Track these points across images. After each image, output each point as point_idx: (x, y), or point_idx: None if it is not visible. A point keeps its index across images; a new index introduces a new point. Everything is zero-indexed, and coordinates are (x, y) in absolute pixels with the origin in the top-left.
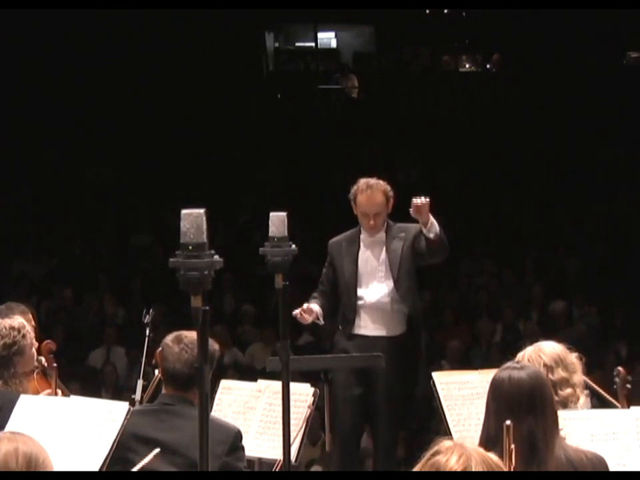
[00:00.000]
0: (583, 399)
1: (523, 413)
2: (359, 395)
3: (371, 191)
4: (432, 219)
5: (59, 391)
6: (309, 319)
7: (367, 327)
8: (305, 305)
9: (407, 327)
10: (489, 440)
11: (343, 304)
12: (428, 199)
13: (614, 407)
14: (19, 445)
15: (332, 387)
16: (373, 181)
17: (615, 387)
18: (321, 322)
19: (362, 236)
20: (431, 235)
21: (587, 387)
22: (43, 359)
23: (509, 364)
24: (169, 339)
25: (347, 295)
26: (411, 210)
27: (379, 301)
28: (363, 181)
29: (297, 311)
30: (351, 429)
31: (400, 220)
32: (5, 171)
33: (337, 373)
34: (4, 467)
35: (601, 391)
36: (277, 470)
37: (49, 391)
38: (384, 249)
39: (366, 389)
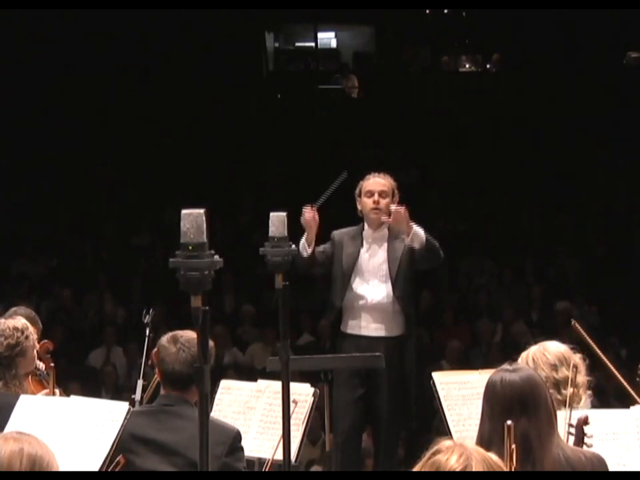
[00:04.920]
0: (584, 399)
1: (515, 414)
2: (360, 396)
3: (377, 175)
4: (415, 228)
5: (57, 391)
6: (313, 220)
7: (368, 327)
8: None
9: (404, 329)
10: (483, 442)
11: (333, 295)
12: (404, 207)
13: (636, 402)
14: (25, 446)
15: (334, 388)
16: None
17: (637, 379)
18: (308, 251)
19: (365, 233)
20: (416, 245)
21: (594, 385)
22: (40, 362)
23: (502, 367)
24: (164, 339)
25: (338, 284)
26: (390, 220)
27: (379, 302)
28: None
29: (308, 207)
30: (352, 429)
31: None
32: (5, 170)
33: (340, 375)
34: (7, 467)
35: (626, 384)
36: (266, 469)
37: (46, 391)
38: (386, 247)
39: (367, 390)
